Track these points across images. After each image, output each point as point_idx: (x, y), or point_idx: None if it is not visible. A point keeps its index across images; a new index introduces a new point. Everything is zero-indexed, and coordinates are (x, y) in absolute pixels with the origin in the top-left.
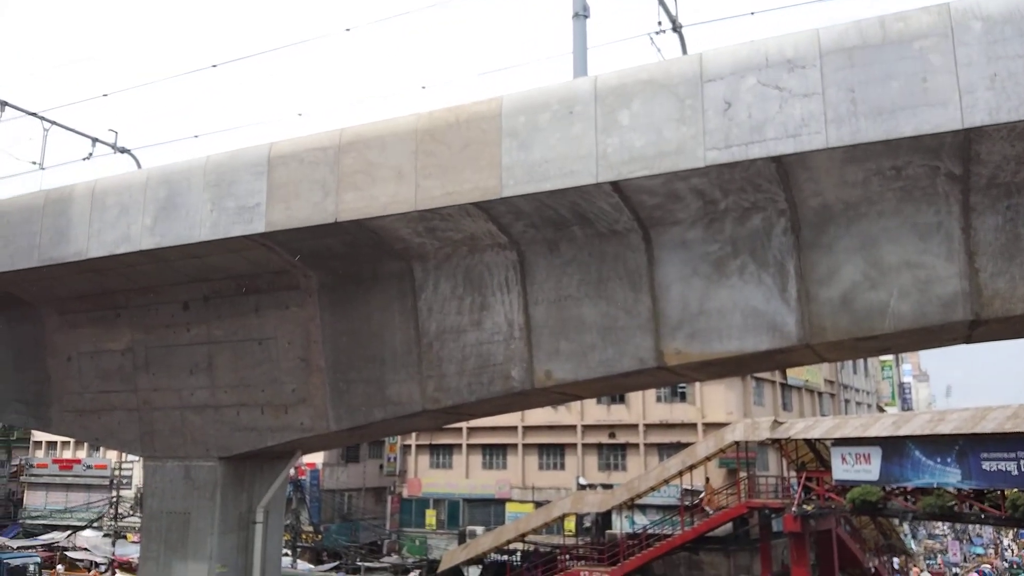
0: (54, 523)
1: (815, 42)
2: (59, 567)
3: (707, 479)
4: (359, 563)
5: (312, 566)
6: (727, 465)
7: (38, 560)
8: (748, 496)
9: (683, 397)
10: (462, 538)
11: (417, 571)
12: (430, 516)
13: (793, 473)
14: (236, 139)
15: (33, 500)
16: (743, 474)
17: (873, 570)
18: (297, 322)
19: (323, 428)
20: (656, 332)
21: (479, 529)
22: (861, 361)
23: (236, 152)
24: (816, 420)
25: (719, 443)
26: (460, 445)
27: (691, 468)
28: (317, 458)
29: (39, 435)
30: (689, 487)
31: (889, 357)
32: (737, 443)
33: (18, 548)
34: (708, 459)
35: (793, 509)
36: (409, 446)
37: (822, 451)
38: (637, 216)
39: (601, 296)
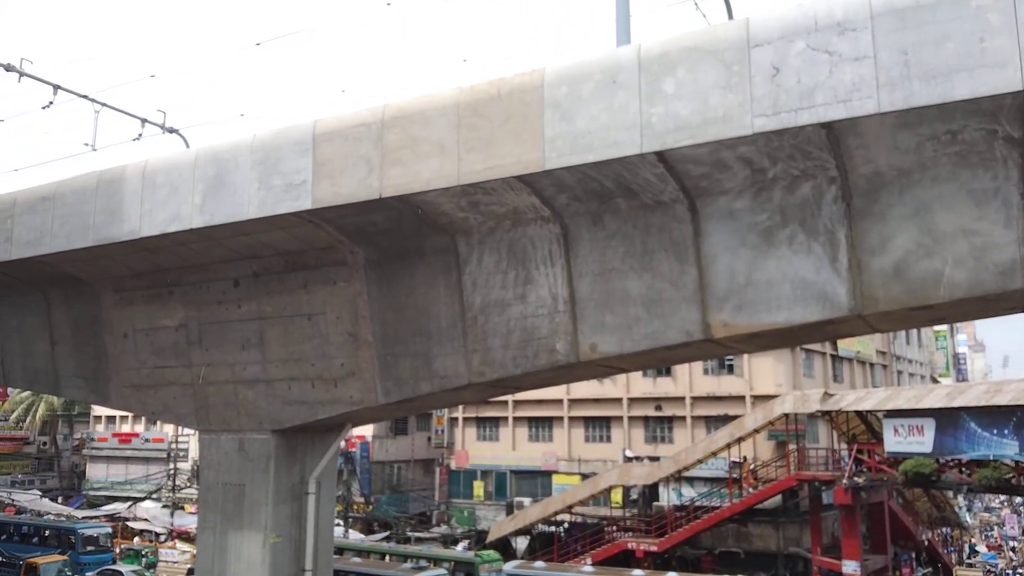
0: (115, 494)
1: (866, 4)
2: (136, 539)
3: (744, 458)
4: (409, 533)
5: (364, 536)
6: (776, 437)
7: (109, 530)
8: (798, 468)
9: (731, 369)
10: (510, 509)
11: (466, 541)
12: (478, 488)
13: (844, 445)
14: (281, 117)
15: (95, 472)
16: (792, 446)
17: (926, 543)
18: (345, 297)
19: (372, 401)
20: (703, 304)
21: (526, 500)
22: (914, 331)
23: (281, 130)
24: (868, 392)
25: (768, 415)
26: (506, 418)
27: (739, 440)
28: (367, 431)
29: (99, 410)
30: (737, 459)
31: (943, 327)
32: (786, 415)
33: (82, 518)
34: (756, 431)
35: (844, 481)
36: (456, 419)
37: (874, 423)
38: (683, 186)
39: (646, 268)
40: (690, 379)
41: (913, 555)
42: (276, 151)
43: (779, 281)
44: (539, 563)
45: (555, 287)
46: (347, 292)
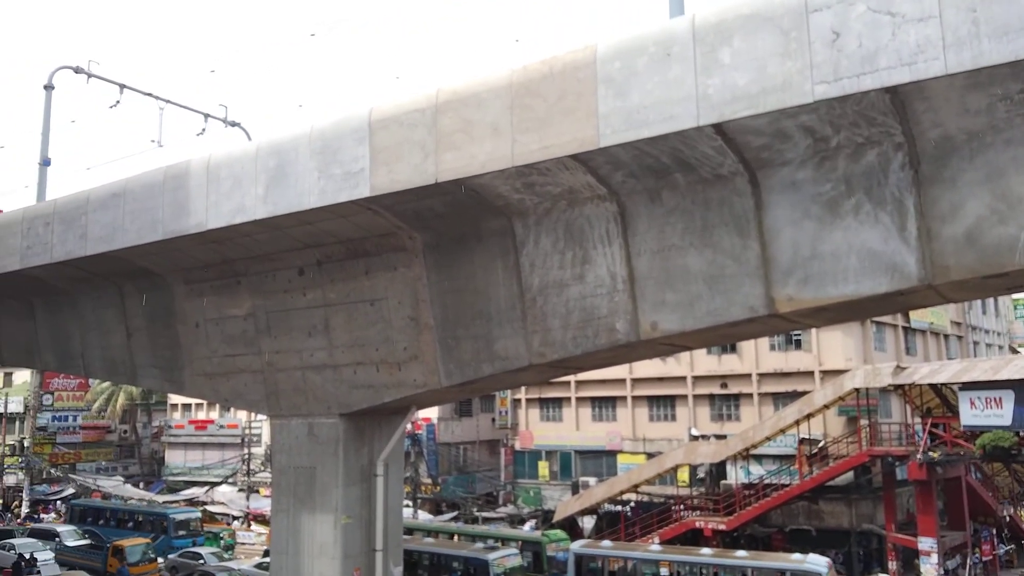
0: (193, 479)
1: None
2: (235, 522)
3: (800, 440)
4: (476, 513)
5: (432, 516)
6: (847, 413)
7: (198, 515)
8: (870, 444)
9: (798, 345)
10: (575, 489)
11: (533, 521)
12: (543, 468)
13: (918, 420)
14: (338, 106)
15: (173, 458)
16: (864, 422)
17: (1008, 519)
18: (405, 282)
19: (435, 384)
20: (766, 279)
21: (591, 480)
22: (991, 300)
23: (338, 119)
24: (942, 364)
25: (838, 391)
26: (569, 398)
27: (808, 417)
28: (432, 413)
29: (175, 398)
30: (807, 436)
31: (1022, 295)
32: (857, 390)
33: (163, 503)
34: (826, 407)
35: (918, 456)
36: (519, 400)
37: (949, 396)
38: (742, 158)
39: (706, 244)
40: (756, 355)
41: (993, 531)
42: (334, 140)
43: (845, 252)
44: (606, 542)
45: (613, 266)
46: (407, 277)
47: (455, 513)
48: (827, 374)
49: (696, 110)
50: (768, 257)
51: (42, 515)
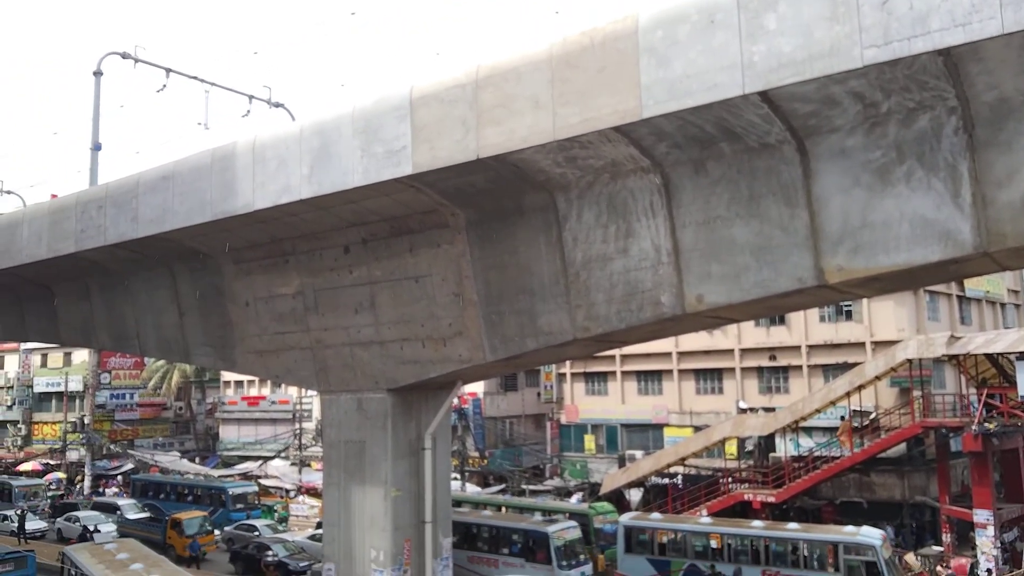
0: (247, 454)
1: None
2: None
3: (842, 417)
4: (523, 486)
5: (480, 489)
6: (899, 384)
7: (255, 489)
8: (923, 415)
9: (849, 316)
10: (622, 462)
11: (579, 494)
12: (589, 441)
13: (973, 390)
14: (379, 84)
15: (227, 434)
16: (917, 393)
17: None
18: (449, 259)
19: (480, 359)
20: (815, 249)
21: (638, 453)
22: None
23: (380, 97)
24: (998, 333)
25: (890, 362)
26: (614, 372)
27: (859, 388)
28: (478, 387)
29: (228, 375)
30: (858, 408)
31: None
32: (910, 361)
33: (219, 477)
34: (878, 378)
35: (973, 427)
36: (564, 374)
37: (1005, 366)
38: (790, 126)
39: (753, 215)
40: (805, 327)
41: None
42: (376, 119)
43: (897, 221)
44: (656, 514)
45: (658, 239)
46: (451, 254)
47: (502, 486)
48: (879, 345)
49: (741, 78)
50: (817, 227)
51: (104, 489)
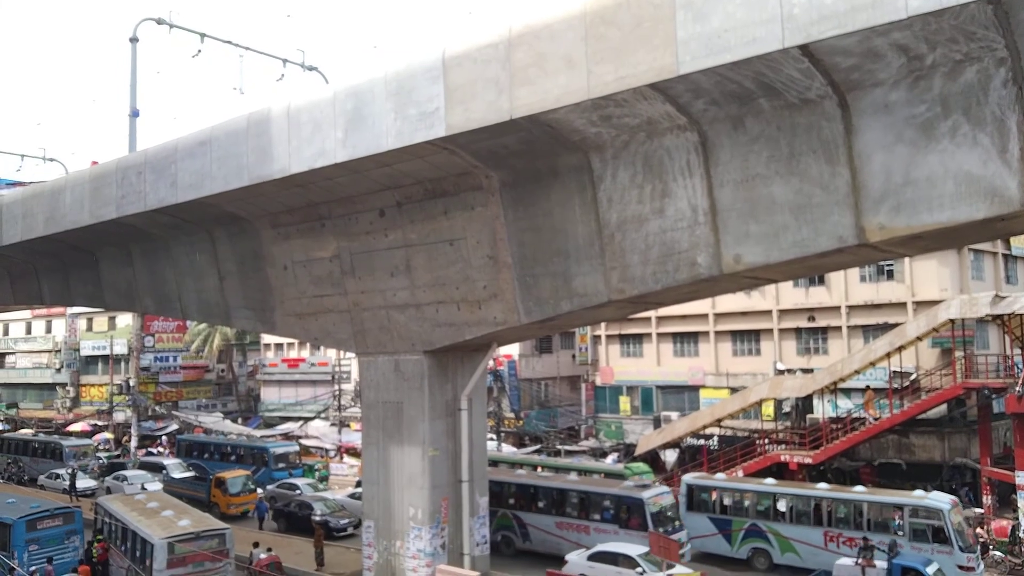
0: (287, 415)
1: None
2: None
3: (867, 387)
4: (559, 447)
5: (516, 449)
6: (940, 345)
7: (296, 448)
8: (965, 376)
9: (890, 275)
10: (657, 424)
11: (615, 454)
12: (624, 403)
13: (1017, 351)
14: (412, 45)
15: (268, 395)
16: (959, 353)
17: None
18: (483, 221)
19: (514, 321)
20: (856, 207)
21: (673, 415)
22: None
23: (412, 60)
24: None
25: (932, 322)
26: (650, 334)
27: (900, 349)
28: (513, 349)
29: (268, 337)
30: (898, 369)
31: None
32: (952, 321)
33: (261, 437)
34: (919, 339)
35: (1017, 388)
36: (599, 336)
37: None
38: (831, 81)
39: (793, 172)
40: (846, 287)
41: None
42: (409, 81)
43: (941, 177)
44: (720, 475)
45: (694, 198)
46: (485, 216)
47: (538, 446)
48: (920, 305)
49: (781, 31)
50: (858, 184)
51: (151, 449)
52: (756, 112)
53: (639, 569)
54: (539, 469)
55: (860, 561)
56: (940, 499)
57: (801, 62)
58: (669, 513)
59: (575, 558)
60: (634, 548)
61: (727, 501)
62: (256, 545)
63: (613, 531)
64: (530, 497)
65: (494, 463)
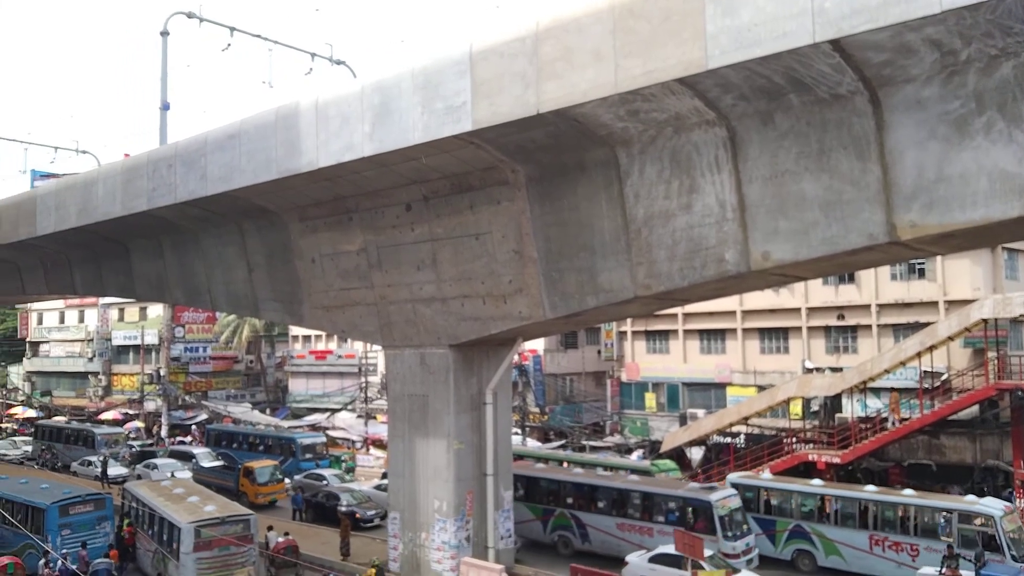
0: (314, 406)
1: None
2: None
3: (892, 390)
4: (584, 442)
5: (541, 444)
6: (972, 345)
7: (323, 439)
8: (998, 377)
9: (922, 274)
10: (683, 421)
11: (640, 451)
12: (650, 399)
13: None
14: (439, 39)
15: (296, 387)
16: (992, 354)
17: None
18: (509, 216)
19: (540, 316)
20: (887, 204)
21: (700, 412)
22: None
23: (439, 54)
24: None
25: (964, 321)
26: (676, 331)
27: (931, 349)
28: (538, 344)
29: (296, 329)
30: (929, 368)
31: None
32: (985, 321)
33: (289, 428)
34: (950, 339)
35: None
36: (625, 332)
37: None
38: (862, 76)
39: (823, 169)
40: (876, 285)
41: None
42: (436, 75)
43: (974, 175)
44: (766, 474)
45: (722, 194)
46: (511, 211)
47: (563, 441)
48: (952, 304)
49: (812, 26)
50: (890, 181)
51: (181, 439)
52: (786, 107)
53: (702, 573)
54: (564, 464)
55: (945, 571)
56: (992, 505)
57: (832, 57)
58: (737, 517)
59: (635, 560)
60: None
61: (772, 501)
62: (271, 528)
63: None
64: (590, 497)
65: (519, 457)
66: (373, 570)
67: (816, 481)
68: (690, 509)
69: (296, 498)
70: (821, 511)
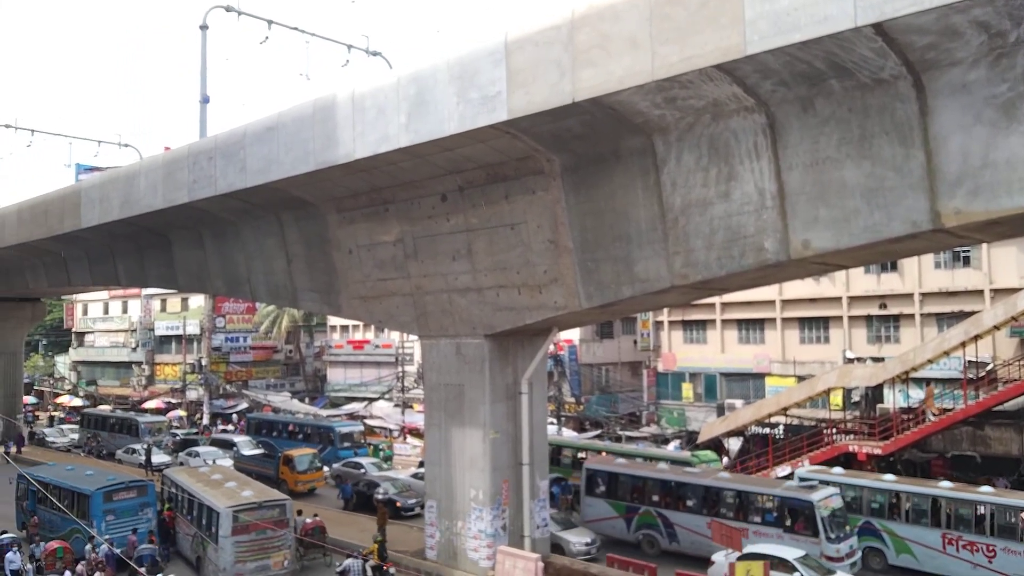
0: (352, 395)
1: None
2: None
3: (927, 382)
4: (620, 432)
5: (576, 434)
6: (1019, 334)
7: (361, 428)
8: None
9: (966, 262)
10: (721, 411)
11: (677, 441)
12: (686, 389)
13: None
14: (474, 28)
15: (334, 376)
16: None
17: None
18: (544, 205)
19: (575, 306)
20: (931, 191)
21: (737, 403)
22: None
23: (475, 43)
24: None
25: (1010, 310)
26: (714, 320)
27: (976, 339)
28: (574, 334)
29: (333, 319)
30: (974, 358)
31: None
32: None
33: (327, 416)
34: (996, 328)
35: None
36: (661, 322)
37: None
38: (906, 60)
39: (864, 155)
40: (919, 274)
41: None
42: (471, 64)
43: (1022, 160)
44: (838, 469)
45: (761, 182)
46: (546, 200)
47: (599, 432)
48: (998, 293)
49: (853, 9)
50: (933, 167)
51: (224, 427)
52: (827, 93)
53: (796, 575)
54: (602, 454)
55: None
56: None
57: (874, 41)
58: (840, 517)
59: (721, 559)
60: (791, 551)
61: (847, 498)
62: (300, 513)
63: (776, 535)
64: (678, 494)
65: (558, 447)
66: (375, 545)
67: (888, 476)
68: (789, 509)
69: (345, 488)
70: (892, 507)
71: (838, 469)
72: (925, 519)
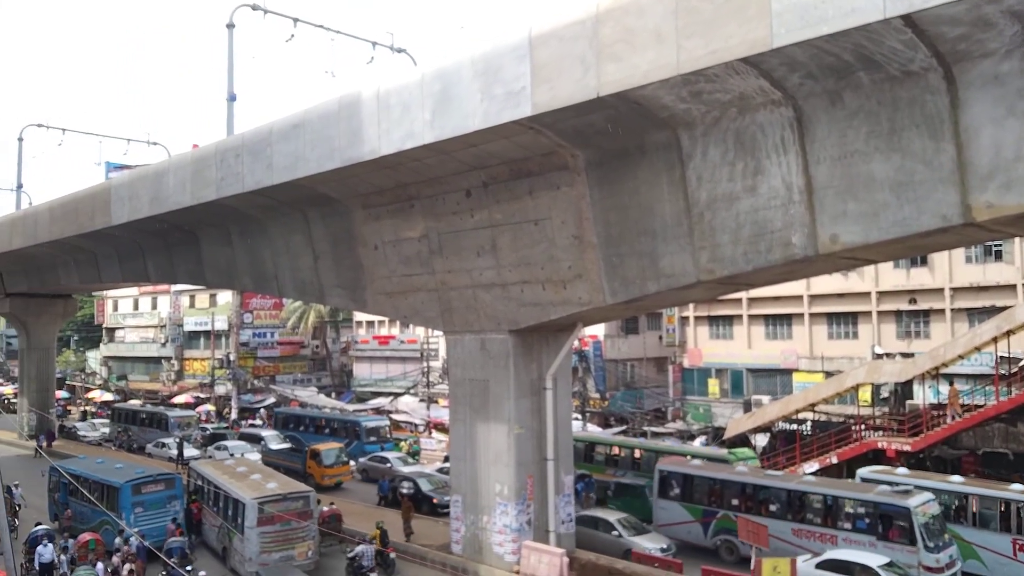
0: (378, 390)
1: None
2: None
3: (950, 382)
4: (645, 428)
5: (601, 429)
6: None
7: (387, 423)
8: None
9: (998, 256)
10: (747, 407)
11: (703, 437)
12: (712, 385)
13: None
14: (498, 23)
15: (360, 371)
16: None
17: None
18: (568, 201)
19: (600, 301)
20: (962, 184)
21: (764, 399)
22: None
23: (499, 39)
24: None
25: None
26: (740, 316)
27: (1008, 334)
28: (598, 330)
29: (359, 315)
30: (1006, 354)
31: None
32: None
33: (353, 411)
34: None
35: None
36: (687, 318)
37: None
38: (936, 52)
39: (894, 148)
40: (950, 268)
41: None
42: (495, 60)
43: None
44: (902, 469)
45: (788, 176)
46: (570, 196)
47: (624, 428)
48: None
49: (882, 1)
50: (964, 160)
51: (252, 422)
52: (855, 86)
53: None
54: (636, 451)
55: None
56: None
57: (904, 33)
58: (938, 525)
59: (801, 565)
60: (873, 557)
61: None
62: (319, 502)
63: (868, 543)
64: (760, 498)
65: (586, 444)
66: (378, 532)
67: (956, 478)
68: (883, 515)
69: (382, 484)
70: (960, 510)
71: (902, 470)
72: (994, 523)
